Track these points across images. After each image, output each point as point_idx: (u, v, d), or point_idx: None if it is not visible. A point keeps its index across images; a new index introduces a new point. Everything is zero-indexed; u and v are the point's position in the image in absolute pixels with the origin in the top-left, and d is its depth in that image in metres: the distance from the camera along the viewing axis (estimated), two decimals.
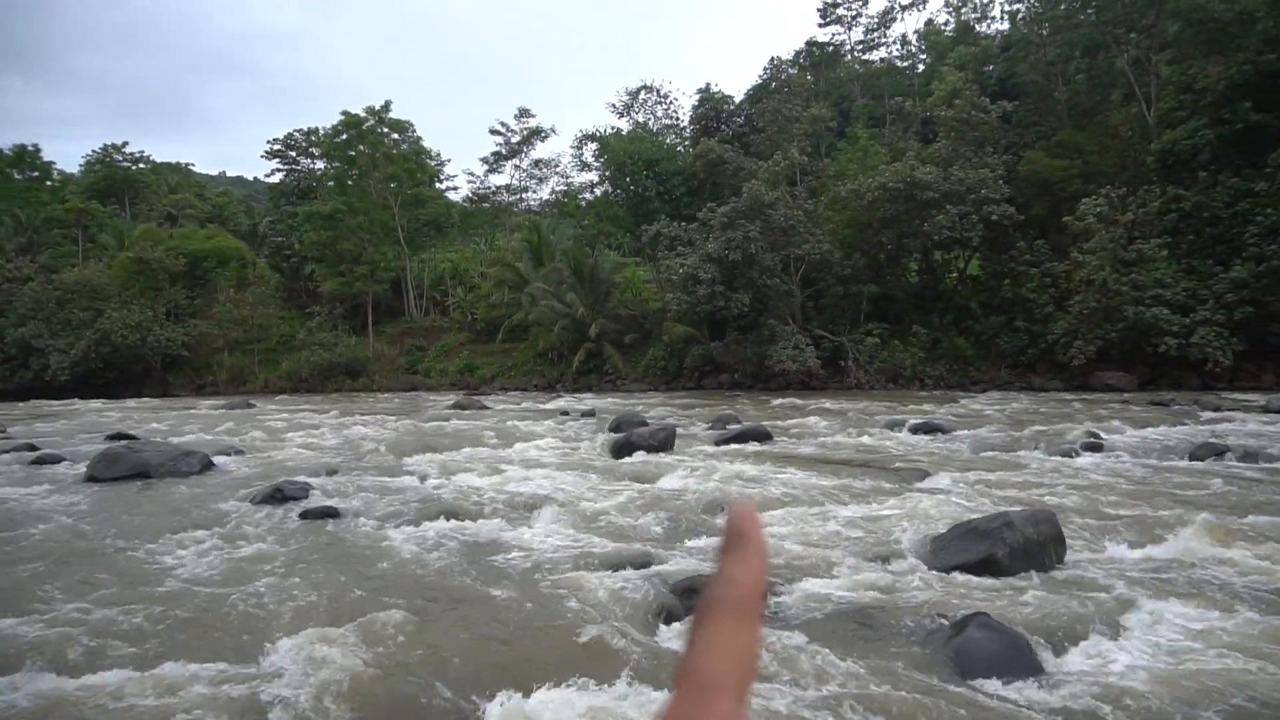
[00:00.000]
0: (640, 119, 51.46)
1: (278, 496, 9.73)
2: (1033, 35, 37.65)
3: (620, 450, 13.41)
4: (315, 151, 57.08)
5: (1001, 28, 43.63)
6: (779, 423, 17.64)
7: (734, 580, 0.56)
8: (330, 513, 8.93)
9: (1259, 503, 8.62)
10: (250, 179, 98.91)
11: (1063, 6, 34.94)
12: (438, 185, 57.38)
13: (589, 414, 21.49)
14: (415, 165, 51.35)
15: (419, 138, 52.37)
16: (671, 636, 5.32)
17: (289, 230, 53.68)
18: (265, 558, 7.29)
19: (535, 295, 39.72)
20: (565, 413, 22.38)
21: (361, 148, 49.16)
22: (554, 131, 69.62)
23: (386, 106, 49.60)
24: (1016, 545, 6.41)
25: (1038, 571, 6.38)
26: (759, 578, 0.57)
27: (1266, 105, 27.97)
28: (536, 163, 59.79)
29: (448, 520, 8.52)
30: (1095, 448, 12.81)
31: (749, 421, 17.33)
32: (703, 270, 31.73)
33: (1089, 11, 34.26)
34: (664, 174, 41.55)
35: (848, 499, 9.33)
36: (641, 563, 6.80)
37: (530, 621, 5.58)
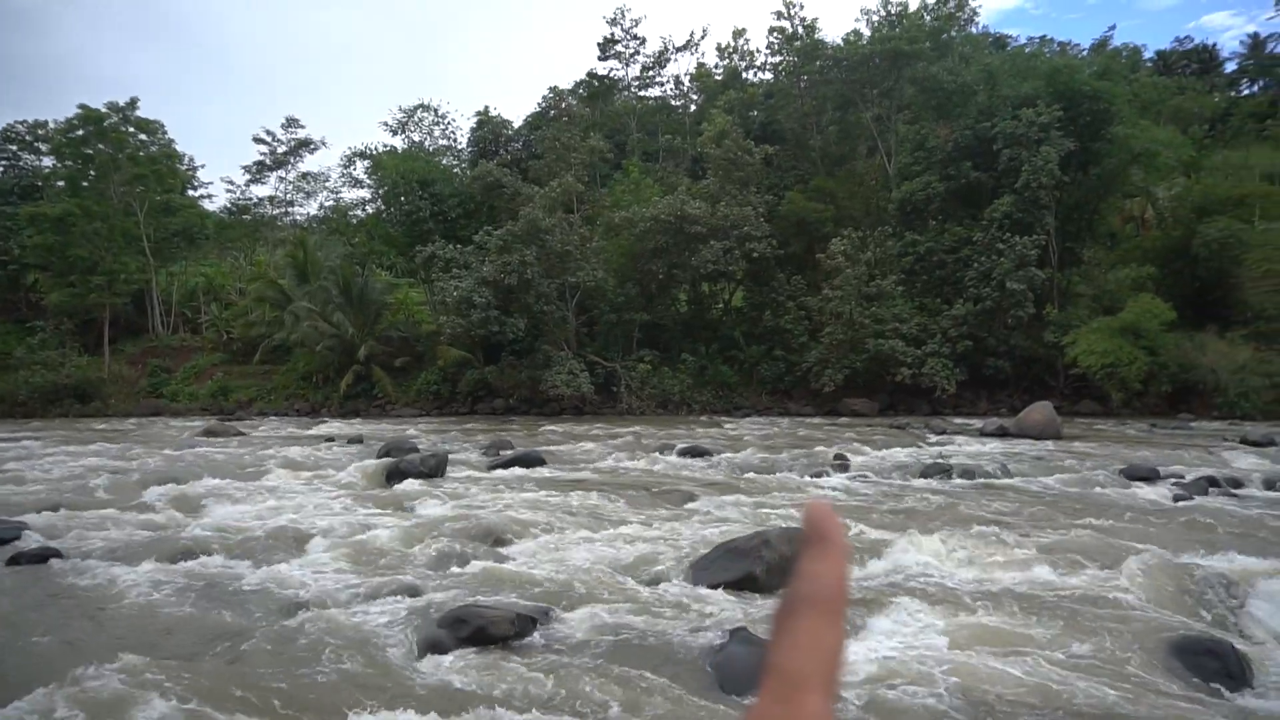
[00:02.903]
0: (416, 138, 50.36)
1: None
2: (792, 87, 40.68)
3: (389, 478, 12.94)
4: (43, 147, 51.03)
5: (766, 77, 46.76)
6: (553, 448, 17.74)
7: (817, 577, 0.57)
8: (49, 555, 7.92)
9: (976, 516, 9.69)
10: None
11: (818, 63, 38.04)
12: (191, 192, 53.08)
13: (356, 440, 20.57)
14: (165, 169, 47.23)
15: (170, 140, 48.43)
16: (438, 670, 5.16)
17: (7, 233, 47.50)
18: None
19: (299, 314, 37.57)
20: (330, 439, 21.28)
21: (101, 146, 44.54)
22: (324, 144, 66.26)
23: (133, 104, 45.45)
24: (773, 562, 6.81)
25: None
26: (842, 574, 0.57)
27: (983, 165, 31.90)
28: (304, 175, 56.90)
29: (194, 559, 7.81)
30: (843, 468, 13.93)
31: (523, 446, 17.30)
32: (478, 294, 31.45)
33: (840, 71, 37.52)
34: (440, 195, 40.85)
35: (618, 522, 9.52)
36: (409, 594, 6.58)
37: (287, 664, 5.23)
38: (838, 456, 15.04)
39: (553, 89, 50.48)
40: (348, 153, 47.96)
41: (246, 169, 56.01)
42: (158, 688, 4.76)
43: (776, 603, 0.58)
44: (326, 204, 57.61)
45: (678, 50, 53.40)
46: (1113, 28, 76.55)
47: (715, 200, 33.33)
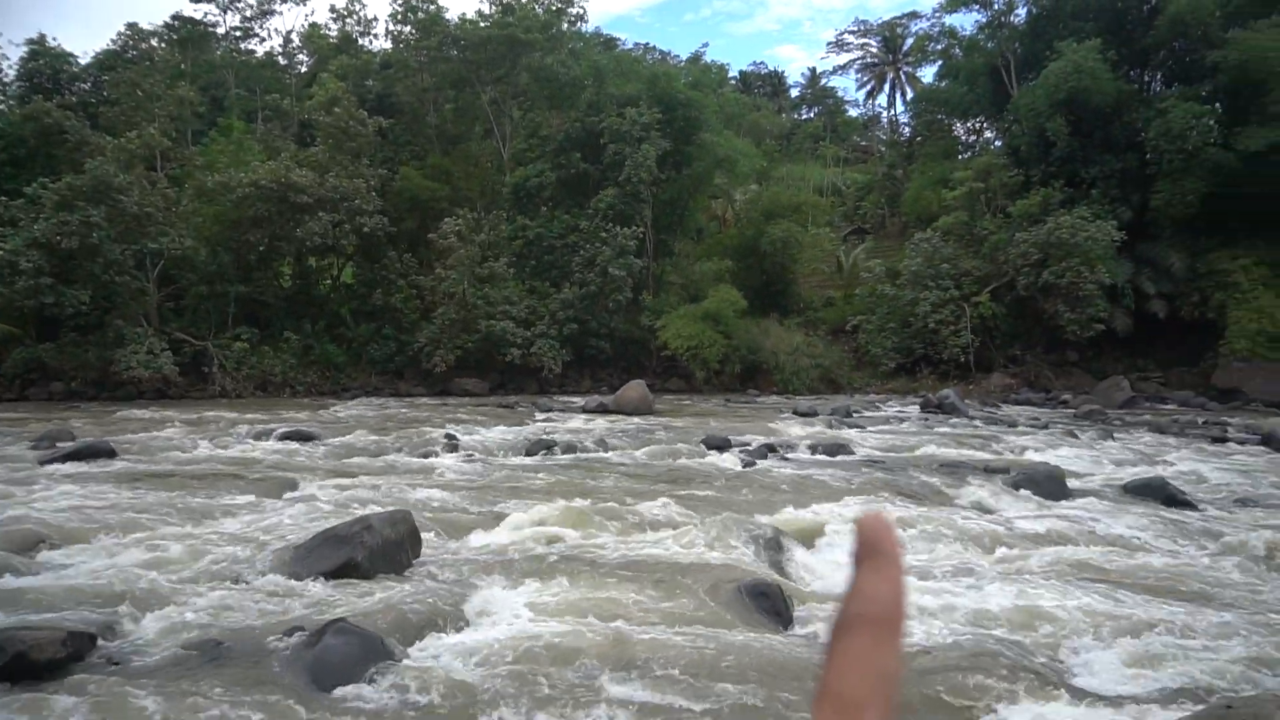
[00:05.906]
0: None
1: None
2: (411, 59, 39.67)
3: None
4: None
5: (384, 46, 44.95)
6: (128, 437, 15.63)
7: (872, 596, 0.55)
8: None
9: (575, 489, 10.27)
10: None
11: (436, 40, 37.49)
12: None
13: None
14: None
15: None
16: None
17: None
18: None
19: None
20: None
21: None
22: None
23: None
24: (375, 547, 6.64)
25: (395, 570, 6.70)
26: (898, 592, 0.55)
27: (590, 158, 33.83)
28: None
29: None
30: (452, 448, 13.98)
31: (89, 437, 15.01)
32: (26, 257, 26.59)
33: (459, 50, 37.35)
34: None
35: (206, 516, 8.68)
36: None
37: None
38: (448, 436, 15.07)
39: (131, 26, 44.14)
40: None
41: None
42: None
43: (830, 621, 0.56)
44: None
45: (282, 1, 49.42)
46: (705, 45, 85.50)
47: (324, 170, 31.51)
